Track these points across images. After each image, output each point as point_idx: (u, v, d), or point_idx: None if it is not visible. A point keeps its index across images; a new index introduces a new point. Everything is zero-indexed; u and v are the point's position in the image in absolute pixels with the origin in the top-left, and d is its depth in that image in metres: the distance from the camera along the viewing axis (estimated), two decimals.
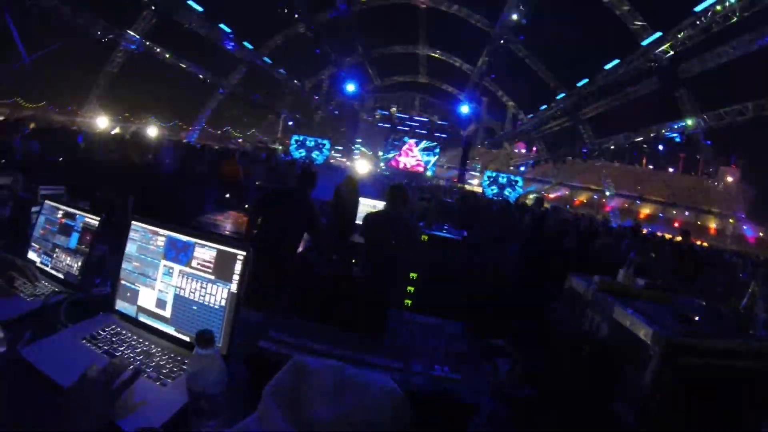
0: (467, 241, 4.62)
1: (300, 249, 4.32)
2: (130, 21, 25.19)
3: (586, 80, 23.31)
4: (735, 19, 15.48)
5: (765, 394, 1.49)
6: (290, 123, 38.20)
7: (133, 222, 1.69)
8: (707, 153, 25.69)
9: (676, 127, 21.75)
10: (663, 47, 18.58)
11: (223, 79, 31.38)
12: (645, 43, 19.96)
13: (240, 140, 39.10)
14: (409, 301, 4.09)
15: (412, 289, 4.12)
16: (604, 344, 1.45)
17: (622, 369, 1.34)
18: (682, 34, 17.29)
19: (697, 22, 16.40)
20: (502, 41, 20.53)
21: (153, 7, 21.28)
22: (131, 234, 1.69)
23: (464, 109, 28.57)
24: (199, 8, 23.13)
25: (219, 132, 38.66)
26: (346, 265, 4.56)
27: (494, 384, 1.69)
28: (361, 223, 4.06)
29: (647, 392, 1.25)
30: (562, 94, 26.44)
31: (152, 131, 29.91)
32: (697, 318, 1.42)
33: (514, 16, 17.96)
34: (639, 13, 22.36)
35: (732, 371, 1.39)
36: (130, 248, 1.68)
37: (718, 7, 15.52)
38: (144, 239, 1.65)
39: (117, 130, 28.78)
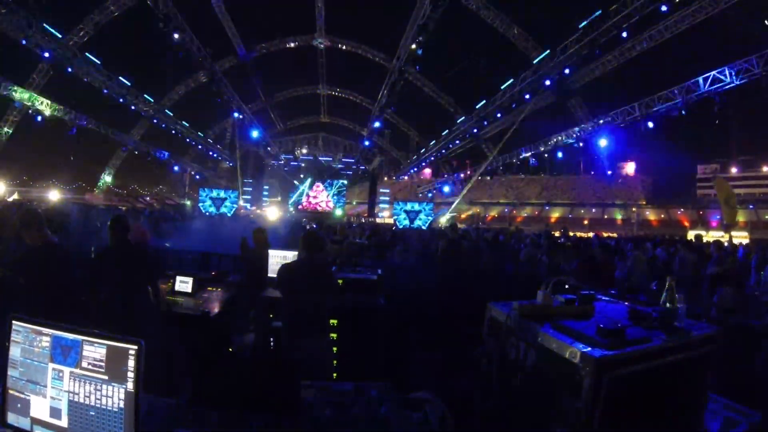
0: (383, 278, 4.57)
1: (217, 310, 4.06)
2: (25, 75, 23.51)
3: (483, 101, 24.74)
4: (615, 32, 17.29)
5: (700, 381, 1.58)
6: (197, 176, 36.98)
7: (13, 321, 1.48)
8: (603, 152, 28.26)
9: (572, 132, 23.75)
10: (553, 62, 20.22)
11: (125, 136, 29.84)
12: (536, 60, 21.66)
13: (147, 198, 37.00)
14: (335, 361, 3.93)
15: (335, 336, 3.94)
16: (535, 371, 1.46)
17: (557, 393, 1.35)
18: (570, 48, 18.94)
19: (583, 37, 18.04)
20: (400, 74, 21.35)
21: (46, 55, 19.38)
22: (13, 335, 1.48)
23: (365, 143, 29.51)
24: (97, 60, 21.88)
25: (125, 191, 36.55)
26: (264, 322, 4.32)
27: None
28: (274, 276, 3.85)
29: (585, 412, 1.26)
30: (462, 118, 27.87)
31: (54, 195, 27.37)
32: (620, 325, 1.47)
33: (411, 48, 18.82)
34: (529, 34, 24.52)
35: (665, 369, 1.44)
36: (14, 352, 1.48)
37: (601, 21, 17.27)
38: (27, 341, 1.46)
39: (15, 196, 26.06)
